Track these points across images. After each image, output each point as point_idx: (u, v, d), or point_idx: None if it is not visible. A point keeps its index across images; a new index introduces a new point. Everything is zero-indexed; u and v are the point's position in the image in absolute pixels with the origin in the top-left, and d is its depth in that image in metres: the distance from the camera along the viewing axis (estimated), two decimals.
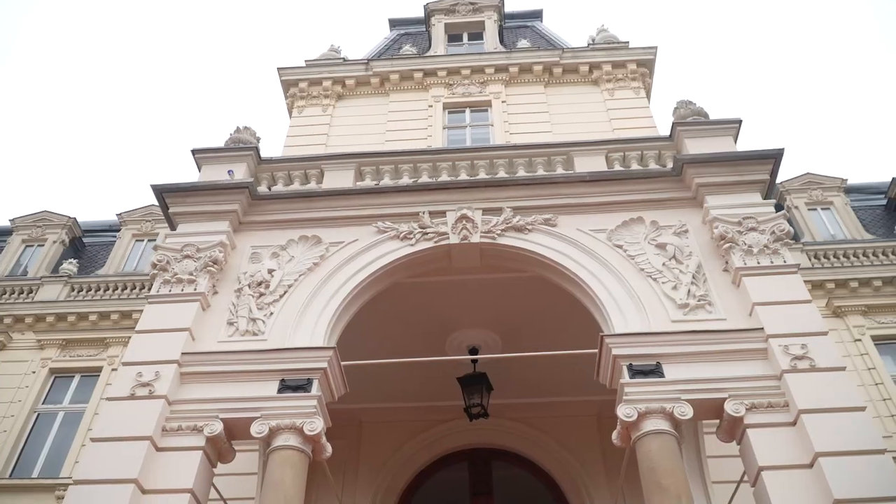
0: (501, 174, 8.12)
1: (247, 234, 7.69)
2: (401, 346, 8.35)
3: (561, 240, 7.31)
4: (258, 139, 8.83)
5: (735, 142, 7.96)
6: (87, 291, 15.86)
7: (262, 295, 7.09)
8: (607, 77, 14.53)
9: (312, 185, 8.16)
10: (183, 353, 6.52)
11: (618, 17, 53.59)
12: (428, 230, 7.49)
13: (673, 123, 8.06)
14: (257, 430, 6.04)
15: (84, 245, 18.08)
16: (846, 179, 16.93)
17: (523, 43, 15.87)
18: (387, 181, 8.12)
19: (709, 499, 8.50)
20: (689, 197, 7.54)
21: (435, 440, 9.84)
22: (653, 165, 8.06)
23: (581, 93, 14.52)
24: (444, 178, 8.08)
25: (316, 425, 6.03)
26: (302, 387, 6.31)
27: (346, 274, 7.23)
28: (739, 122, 8.00)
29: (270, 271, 7.26)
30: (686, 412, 5.86)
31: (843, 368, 5.99)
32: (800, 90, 53.50)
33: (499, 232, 7.43)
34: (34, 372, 14.42)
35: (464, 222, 7.43)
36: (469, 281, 8.12)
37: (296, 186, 8.28)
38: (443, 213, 7.62)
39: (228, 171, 8.05)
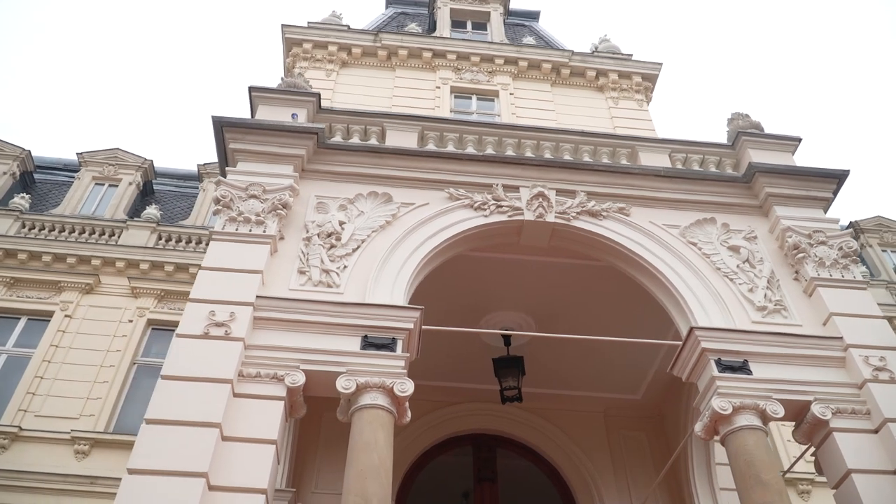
0: (567, 158, 8.02)
1: (311, 182, 7.26)
2: (433, 319, 8.10)
3: (636, 230, 7.28)
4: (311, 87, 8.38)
5: (793, 158, 8.17)
6: (41, 230, 14.70)
7: (332, 247, 6.71)
8: (613, 85, 14.72)
9: (373, 142, 7.80)
10: (258, 297, 6.07)
11: (611, 24, 54.76)
12: (502, 203, 7.30)
13: (738, 133, 8.18)
14: (344, 385, 5.67)
15: (35, 181, 16.74)
16: None
17: (528, 40, 15.89)
18: (451, 149, 7.86)
19: (717, 501, 8.70)
20: (756, 205, 7.68)
21: (441, 422, 9.60)
22: (712, 170, 8.16)
23: (586, 97, 14.65)
24: (511, 153, 7.90)
25: (407, 387, 5.73)
26: (387, 346, 5.98)
27: (422, 236, 6.94)
28: (800, 139, 8.22)
29: (341, 224, 6.89)
30: (778, 411, 5.92)
31: None
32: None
33: (574, 214, 7.32)
34: None
35: (540, 200, 7.28)
36: (511, 261, 7.99)
37: (355, 141, 7.90)
38: (516, 189, 7.45)
39: (293, 115, 7.60)
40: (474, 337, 8.55)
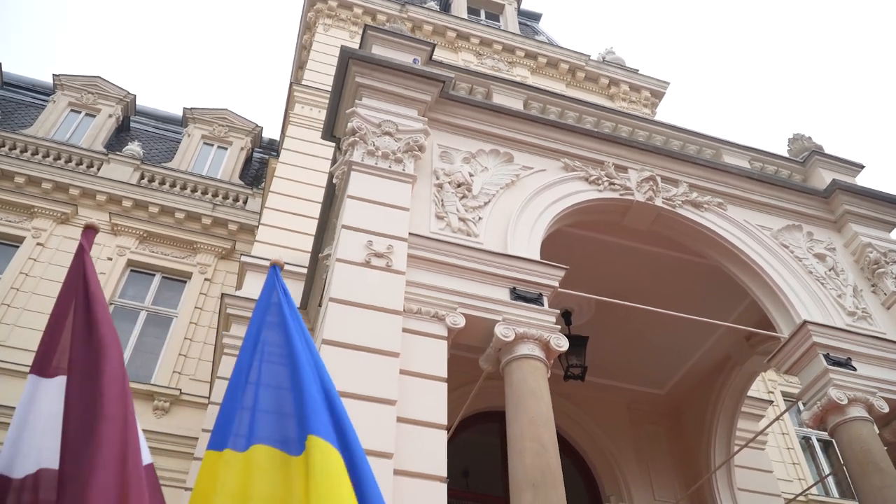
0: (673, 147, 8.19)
1: (433, 130, 7.08)
2: None
3: (735, 225, 7.55)
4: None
5: (855, 180, 8.72)
6: (12, 150, 13.48)
7: (464, 197, 6.58)
8: (623, 96, 15.16)
9: (497, 101, 7.70)
10: (410, 234, 5.87)
11: (605, 31, 55.62)
12: (614, 181, 7.39)
13: (812, 151, 8.65)
14: (503, 332, 5.58)
15: (1, 98, 15.32)
16: None
17: (541, 38, 16.12)
18: (570, 122, 7.88)
19: (735, 501, 9.12)
20: (831, 220, 8.13)
21: (468, 397, 9.52)
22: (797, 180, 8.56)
23: (597, 102, 14.99)
24: (624, 134, 8.01)
25: (563, 342, 5.70)
26: (535, 300, 5.93)
27: (546, 200, 6.93)
28: (863, 166, 8.78)
29: (471, 175, 6.77)
30: (883, 406, 6.31)
31: None
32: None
33: (679, 203, 7.51)
34: None
35: (651, 183, 7.43)
36: (588, 239, 8.04)
37: (478, 97, 7.77)
38: (624, 170, 7.56)
39: (414, 60, 7.39)
40: None
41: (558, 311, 5.94)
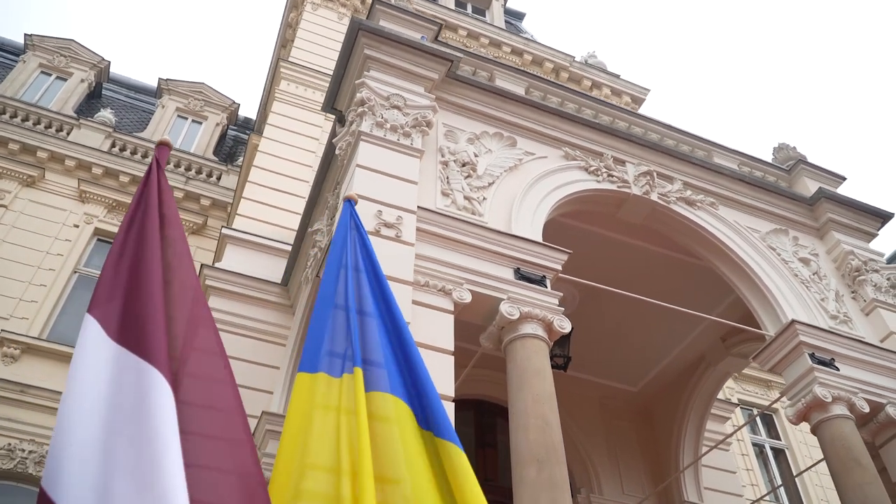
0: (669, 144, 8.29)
1: (437, 109, 7.03)
2: None
3: (727, 225, 7.68)
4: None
5: (836, 191, 8.96)
6: None
7: (469, 176, 6.55)
8: (605, 99, 15.30)
9: (501, 85, 7.69)
10: (418, 207, 5.81)
11: (582, 35, 55.84)
12: (613, 173, 7.44)
13: (798, 161, 8.87)
14: (508, 310, 5.56)
15: None
16: None
17: (527, 35, 16.19)
18: (571, 111, 7.91)
19: (701, 498, 9.30)
20: (815, 227, 8.34)
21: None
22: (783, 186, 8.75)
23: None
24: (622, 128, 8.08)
25: (566, 324, 5.72)
26: (539, 281, 5.94)
27: (548, 186, 6.94)
28: (845, 178, 9.03)
29: (475, 156, 6.74)
30: (864, 406, 6.48)
31: None
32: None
33: (673, 199, 7.60)
34: None
35: (647, 178, 7.51)
36: (578, 230, 8.09)
37: (482, 80, 7.73)
38: (622, 163, 7.62)
39: (422, 38, 7.33)
40: None
41: (561, 294, 5.94)
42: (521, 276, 5.90)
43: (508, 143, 7.13)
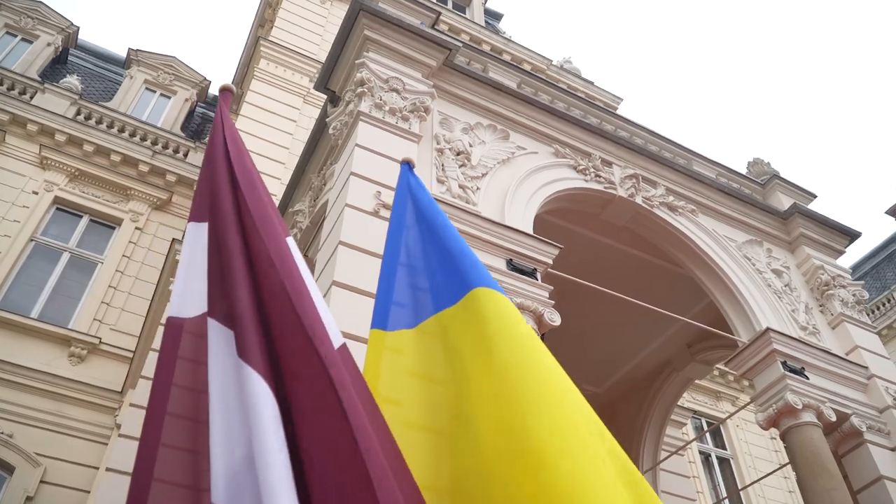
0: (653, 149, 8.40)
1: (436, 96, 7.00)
2: None
3: (706, 233, 7.83)
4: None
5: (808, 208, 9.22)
6: None
7: (463, 165, 6.53)
8: None
9: (496, 78, 7.68)
10: None
11: (553, 40, 55.92)
12: (600, 174, 7.52)
13: (773, 176, 9.11)
14: None
15: None
16: None
17: (506, 36, 16.25)
18: (562, 109, 7.95)
19: None
20: (787, 240, 8.56)
21: None
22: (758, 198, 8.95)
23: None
24: (609, 129, 8.16)
25: (556, 318, 5.73)
26: (530, 273, 5.95)
27: (539, 181, 6.97)
28: (815, 195, 9.30)
29: (470, 146, 6.72)
30: (832, 415, 6.67)
31: None
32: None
33: (656, 203, 7.71)
34: None
35: (633, 181, 7.60)
36: (559, 227, 8.15)
37: (479, 72, 7.72)
38: (609, 164, 7.70)
39: (421, 24, 7.28)
40: None
41: (552, 288, 5.97)
42: (513, 267, 5.90)
43: (502, 136, 7.13)
